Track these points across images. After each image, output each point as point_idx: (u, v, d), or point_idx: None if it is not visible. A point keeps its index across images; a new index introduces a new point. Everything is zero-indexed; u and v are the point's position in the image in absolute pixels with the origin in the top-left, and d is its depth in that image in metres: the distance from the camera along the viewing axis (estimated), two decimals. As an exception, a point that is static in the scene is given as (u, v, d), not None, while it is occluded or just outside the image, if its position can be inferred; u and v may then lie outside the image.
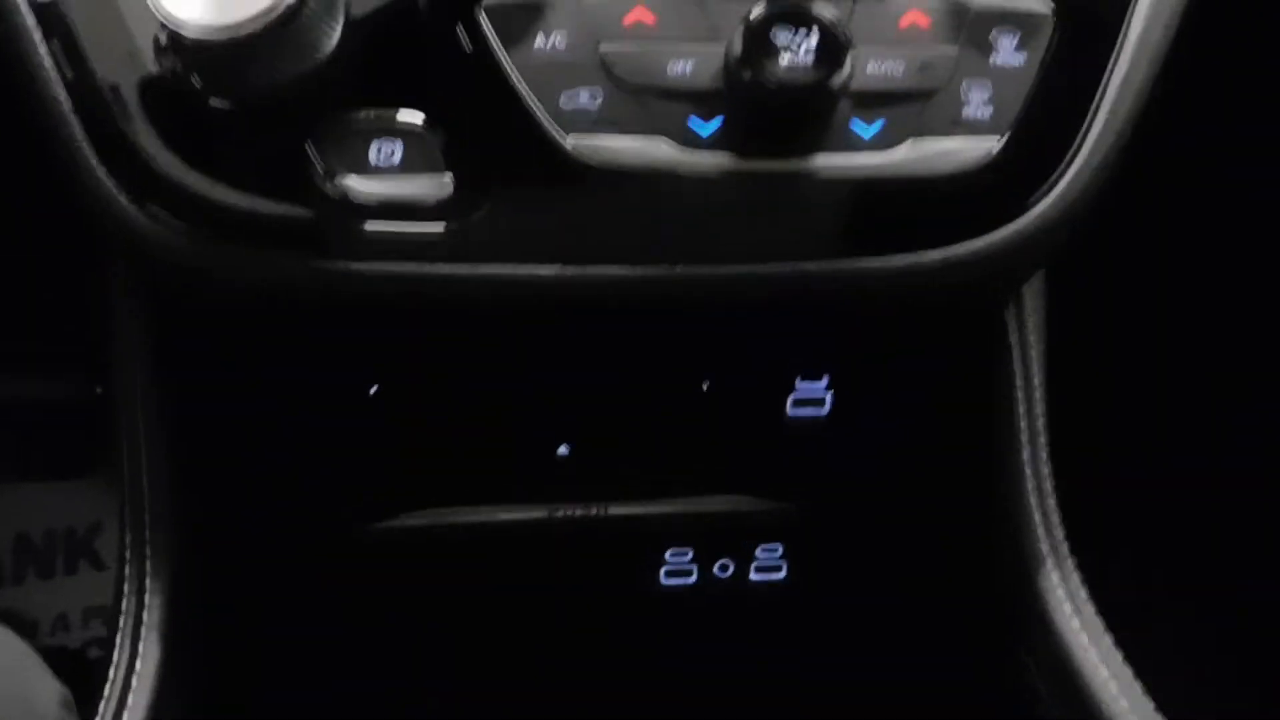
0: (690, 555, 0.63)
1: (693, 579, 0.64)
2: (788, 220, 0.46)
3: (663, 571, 0.64)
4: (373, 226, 0.44)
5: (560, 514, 0.60)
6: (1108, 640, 0.47)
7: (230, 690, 0.55)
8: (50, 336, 0.75)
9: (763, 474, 0.61)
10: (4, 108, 0.46)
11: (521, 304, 0.46)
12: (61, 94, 0.43)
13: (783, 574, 0.64)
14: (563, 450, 0.58)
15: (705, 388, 0.58)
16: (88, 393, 0.67)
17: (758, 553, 0.64)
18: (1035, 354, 0.53)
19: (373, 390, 0.56)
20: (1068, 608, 0.49)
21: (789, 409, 0.59)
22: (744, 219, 0.45)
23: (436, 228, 0.44)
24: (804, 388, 0.58)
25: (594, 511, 0.61)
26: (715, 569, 0.64)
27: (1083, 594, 0.49)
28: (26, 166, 0.51)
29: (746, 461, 0.61)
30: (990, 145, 0.45)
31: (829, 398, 0.59)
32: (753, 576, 0.64)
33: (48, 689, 0.39)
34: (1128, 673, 0.46)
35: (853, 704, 0.64)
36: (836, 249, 0.46)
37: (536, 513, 0.60)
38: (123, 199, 0.44)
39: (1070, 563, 0.50)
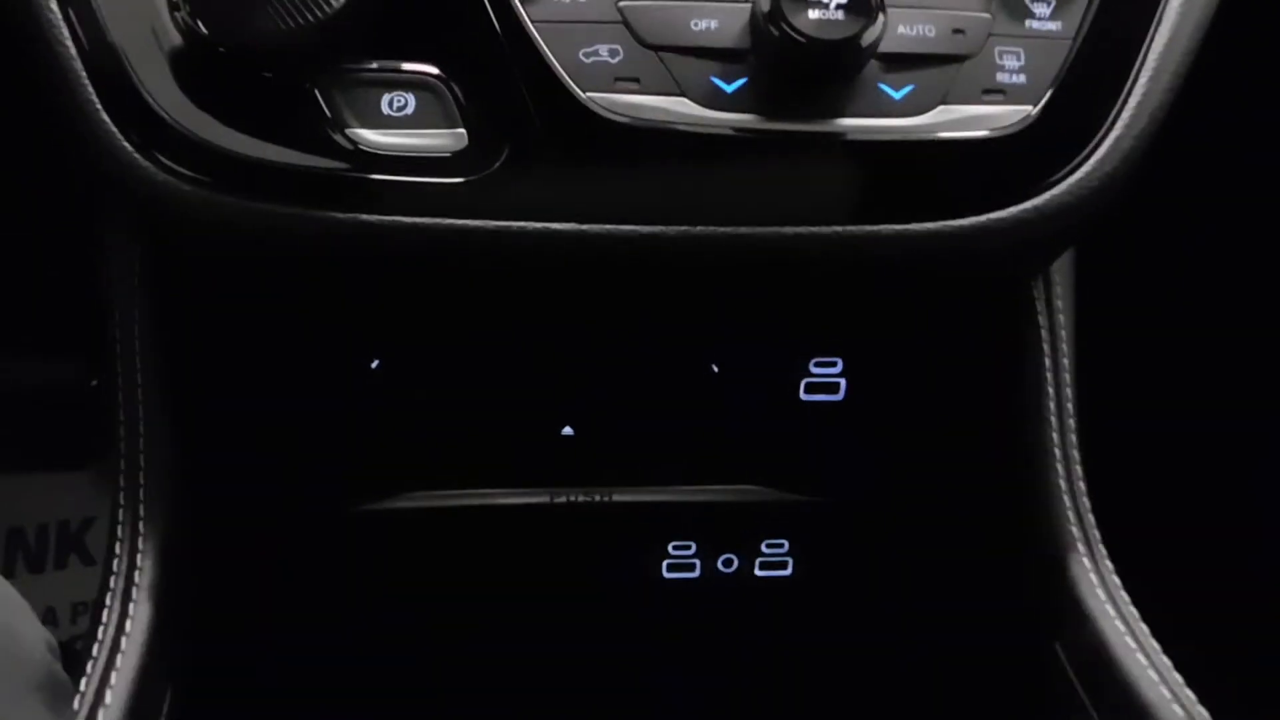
0: (694, 549, 0.62)
1: (696, 573, 0.62)
2: (811, 183, 0.44)
3: (665, 565, 0.62)
4: (385, 179, 0.42)
5: (561, 499, 0.59)
6: (1143, 628, 0.46)
7: (217, 662, 0.53)
8: (45, 327, 0.74)
9: (774, 462, 0.60)
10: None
11: (535, 263, 0.44)
12: (68, 43, 0.42)
13: (789, 570, 0.62)
14: (567, 431, 0.57)
15: (715, 369, 0.56)
16: (84, 385, 0.66)
17: (763, 548, 0.62)
18: (1064, 334, 0.51)
19: (374, 364, 0.54)
20: (1101, 594, 0.47)
21: (802, 393, 0.57)
22: (766, 181, 0.44)
23: (450, 181, 0.43)
24: (818, 372, 0.57)
25: (596, 497, 0.59)
26: (719, 564, 0.62)
27: (1115, 580, 0.48)
28: (20, 150, 0.50)
29: (757, 448, 0.59)
30: (1023, 114, 0.44)
31: (843, 383, 0.57)
32: (758, 573, 0.62)
33: (34, 633, 0.37)
34: (1166, 661, 0.44)
35: (869, 695, 0.62)
36: (861, 214, 0.45)
37: (537, 497, 0.59)
38: (131, 150, 0.43)
39: (1102, 549, 0.48)
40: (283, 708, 0.60)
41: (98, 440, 0.51)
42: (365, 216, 0.43)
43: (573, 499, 0.59)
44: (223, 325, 0.52)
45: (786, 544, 0.62)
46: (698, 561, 0.62)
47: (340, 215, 0.43)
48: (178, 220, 0.44)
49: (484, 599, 0.62)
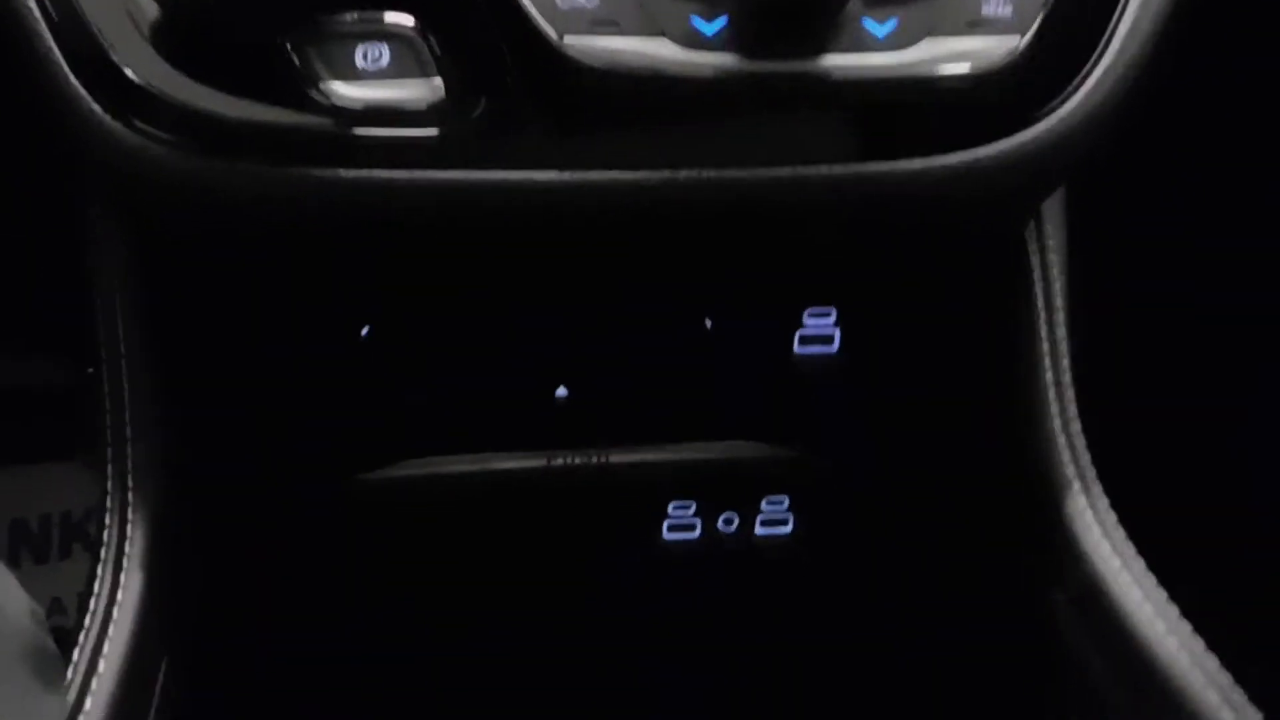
0: (694, 509, 0.61)
1: (696, 533, 0.62)
2: (796, 124, 0.44)
3: (665, 525, 0.61)
4: (361, 133, 0.42)
5: (558, 461, 0.58)
6: (1140, 564, 0.45)
7: (214, 630, 0.53)
8: (43, 322, 0.73)
9: (770, 418, 0.59)
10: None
11: (517, 214, 0.44)
12: (33, 6, 0.42)
13: (789, 528, 0.62)
14: (561, 392, 0.56)
15: (708, 325, 0.56)
16: (83, 375, 0.66)
17: (763, 505, 0.62)
18: (1057, 275, 0.51)
19: (364, 332, 0.54)
20: (1096, 532, 0.47)
21: (796, 347, 0.57)
22: (749, 123, 0.44)
23: (428, 133, 0.42)
24: (812, 324, 0.56)
25: (593, 459, 0.59)
26: (719, 523, 0.62)
27: (1112, 519, 0.47)
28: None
29: (752, 404, 0.59)
30: (1010, 45, 0.43)
31: (838, 334, 0.57)
32: (758, 531, 0.62)
33: (17, 599, 0.37)
34: (1162, 596, 0.44)
35: (870, 656, 0.62)
36: (848, 153, 0.44)
37: (533, 461, 0.58)
38: (102, 114, 0.42)
39: (1098, 488, 0.48)
40: (280, 679, 0.60)
41: (98, 430, 0.51)
42: (342, 172, 0.42)
43: (570, 461, 0.58)
44: (208, 298, 0.52)
45: (786, 500, 0.62)
46: (698, 521, 0.62)
47: (317, 172, 0.42)
48: (153, 185, 0.44)
49: (482, 567, 0.61)
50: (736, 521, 0.62)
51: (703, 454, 0.60)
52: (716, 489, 0.61)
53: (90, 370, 0.53)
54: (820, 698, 0.63)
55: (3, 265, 0.67)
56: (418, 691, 0.63)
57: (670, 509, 0.61)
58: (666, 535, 0.62)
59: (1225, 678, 0.41)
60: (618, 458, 0.59)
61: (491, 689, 0.63)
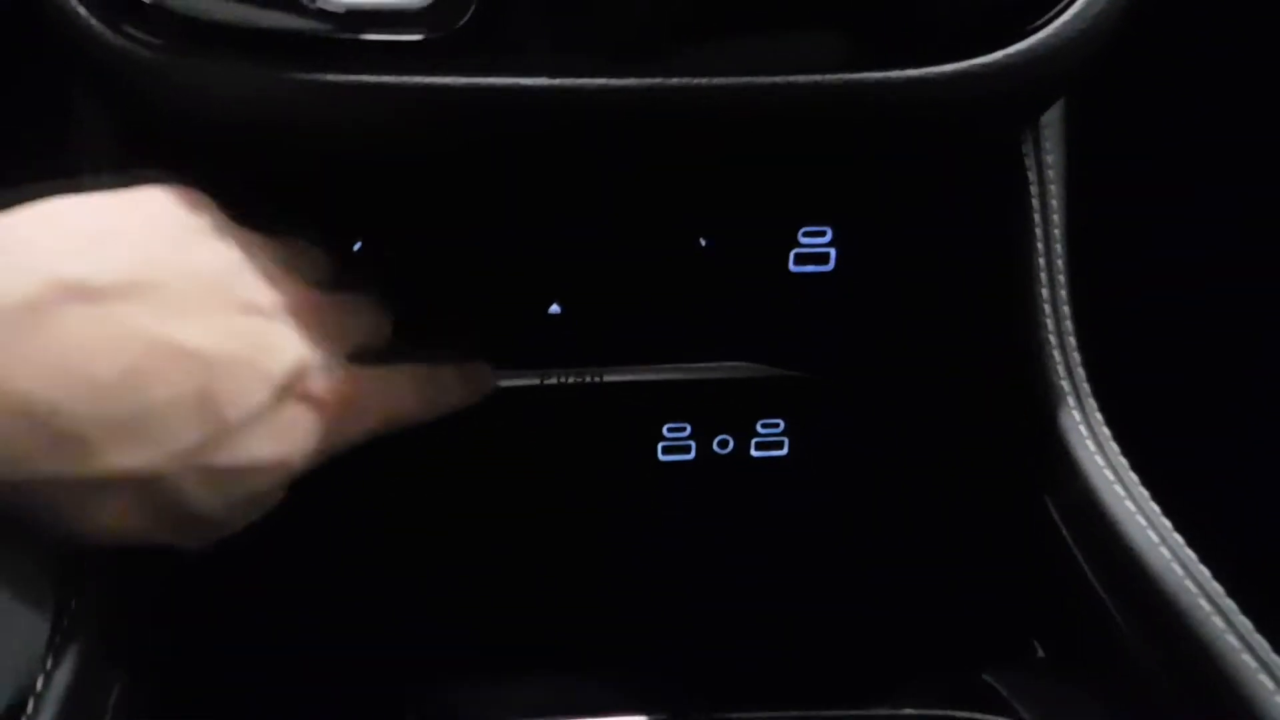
0: (689, 431, 0.61)
1: (691, 455, 0.62)
2: (788, 30, 0.43)
3: (660, 447, 0.61)
4: (348, 35, 0.41)
5: (552, 380, 0.58)
6: (1132, 476, 0.46)
7: (176, 650, 0.52)
8: None
9: (766, 337, 0.59)
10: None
11: (507, 121, 0.43)
12: None
13: (785, 450, 0.62)
14: (555, 309, 0.56)
15: (702, 243, 0.55)
16: None
17: (758, 428, 0.62)
18: (1054, 189, 0.50)
19: (356, 247, 0.53)
20: (1090, 445, 0.47)
21: (791, 265, 0.56)
22: (740, 30, 0.42)
23: (416, 38, 0.41)
24: (807, 242, 0.56)
25: (588, 378, 0.58)
26: (714, 445, 0.62)
27: (1105, 431, 0.47)
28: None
29: (748, 324, 0.58)
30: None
31: (833, 252, 0.56)
32: (754, 453, 0.62)
33: None
34: (1154, 508, 0.44)
35: (865, 574, 0.62)
36: (840, 62, 0.43)
37: (526, 379, 0.58)
38: (89, 17, 0.41)
39: (1092, 401, 0.48)
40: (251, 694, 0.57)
41: None
42: (329, 76, 0.41)
43: (563, 380, 0.58)
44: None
45: (782, 423, 0.62)
46: (693, 443, 0.62)
47: (302, 75, 0.41)
48: (141, 89, 0.43)
49: (472, 491, 0.61)
50: (732, 444, 0.62)
51: (697, 374, 0.59)
52: (711, 411, 0.61)
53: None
54: (816, 618, 0.64)
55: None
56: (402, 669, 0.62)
57: (665, 431, 0.61)
58: (661, 457, 0.62)
59: (1217, 587, 0.41)
60: (612, 377, 0.58)
61: (482, 621, 0.63)
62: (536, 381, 0.58)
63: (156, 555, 0.43)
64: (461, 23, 0.41)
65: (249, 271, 0.41)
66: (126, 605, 0.46)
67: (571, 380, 0.58)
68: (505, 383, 0.57)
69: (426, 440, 0.57)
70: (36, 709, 0.40)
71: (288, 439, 0.40)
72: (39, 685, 0.40)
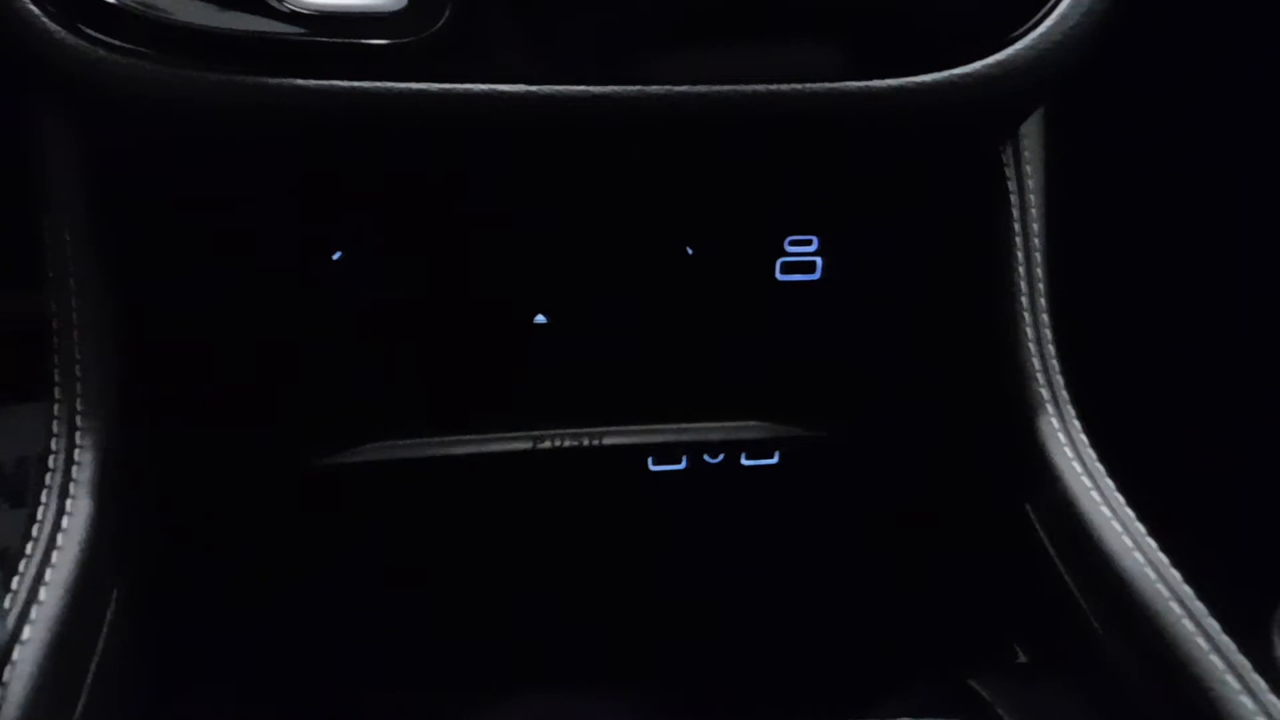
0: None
1: (683, 465, 0.61)
2: (770, 40, 0.43)
3: (650, 459, 0.61)
4: (322, 41, 0.41)
5: (546, 444, 0.56)
6: (1109, 483, 0.46)
7: (171, 564, 0.52)
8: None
9: (752, 343, 0.58)
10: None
11: (486, 130, 0.43)
12: None
13: (775, 459, 0.62)
14: (540, 319, 0.56)
15: (689, 252, 0.55)
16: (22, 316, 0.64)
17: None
18: (1034, 199, 0.51)
19: (336, 256, 0.53)
20: (1069, 452, 0.47)
21: (778, 274, 0.56)
22: (722, 39, 0.43)
23: (391, 43, 0.41)
24: (794, 251, 0.56)
25: (585, 441, 0.57)
26: (705, 456, 0.62)
27: (1083, 438, 0.48)
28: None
29: (735, 330, 0.58)
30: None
31: (819, 261, 0.56)
32: (744, 462, 0.62)
33: None
34: (1130, 513, 0.44)
35: (852, 582, 0.62)
36: (822, 71, 0.43)
37: (519, 443, 0.56)
38: (53, 26, 0.41)
39: (1070, 409, 0.48)
40: (239, 615, 0.57)
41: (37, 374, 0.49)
42: (303, 82, 0.41)
43: (559, 444, 0.56)
44: (167, 222, 0.50)
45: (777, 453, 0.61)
46: (684, 456, 0.61)
47: (276, 81, 0.41)
48: (108, 96, 0.42)
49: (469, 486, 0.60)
50: (723, 455, 0.62)
51: (699, 436, 0.59)
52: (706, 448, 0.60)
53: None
54: (803, 626, 0.63)
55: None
56: (393, 624, 0.62)
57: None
58: (652, 468, 0.61)
59: (1187, 590, 0.41)
60: (612, 440, 0.57)
61: (467, 592, 0.62)
62: (529, 445, 0.56)
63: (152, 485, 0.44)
64: (436, 27, 0.41)
65: None
66: (120, 525, 0.45)
67: (568, 444, 0.57)
68: (496, 447, 0.56)
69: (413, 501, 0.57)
70: (35, 610, 0.39)
71: None
72: (40, 594, 0.40)
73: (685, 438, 0.59)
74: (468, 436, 0.56)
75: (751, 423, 0.59)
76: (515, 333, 0.55)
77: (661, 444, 0.58)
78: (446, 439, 0.56)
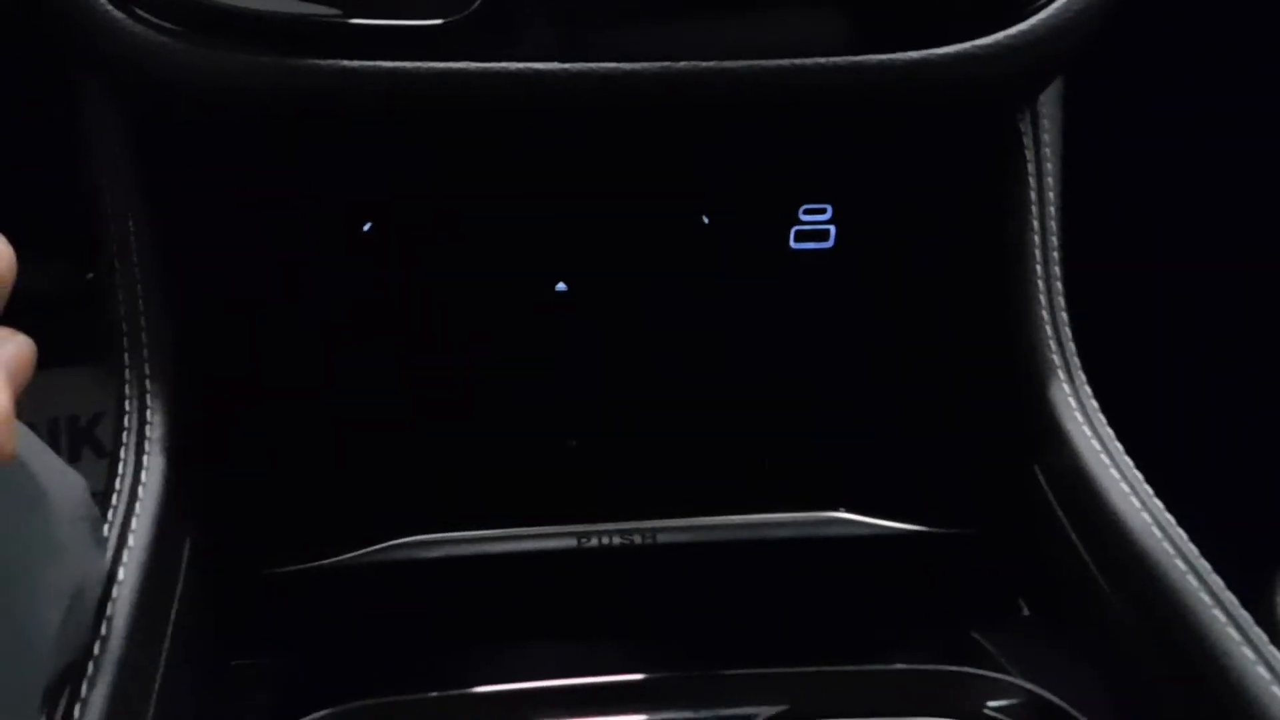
0: None
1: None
2: (794, 14, 0.44)
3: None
4: (361, 23, 0.42)
5: (592, 542, 0.55)
6: (1118, 446, 0.47)
7: (233, 517, 0.54)
8: (37, 228, 0.73)
9: (766, 316, 0.60)
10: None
11: (521, 107, 0.44)
12: None
13: None
14: (561, 287, 0.57)
15: (705, 220, 0.56)
16: (80, 281, 0.66)
17: None
18: (1050, 166, 0.52)
19: (366, 228, 0.54)
20: (1079, 416, 0.48)
21: (792, 242, 0.57)
22: (747, 14, 0.44)
23: (429, 24, 0.42)
24: (807, 219, 0.57)
25: (637, 539, 0.55)
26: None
27: (1094, 403, 0.49)
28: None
29: (751, 301, 0.59)
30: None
31: (833, 229, 0.57)
32: None
33: (68, 470, 0.38)
34: (1137, 475, 0.46)
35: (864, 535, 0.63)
36: (845, 44, 0.44)
37: (563, 541, 0.55)
38: (105, 5, 0.42)
39: (1082, 375, 0.50)
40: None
41: (98, 335, 0.51)
42: (345, 62, 0.42)
43: (606, 541, 0.54)
44: (215, 194, 0.51)
45: None
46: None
47: (319, 62, 0.42)
48: (157, 75, 0.44)
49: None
50: None
51: (766, 533, 0.58)
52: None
53: (90, 275, 0.54)
54: (812, 578, 0.65)
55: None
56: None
57: None
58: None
59: (1192, 548, 0.43)
60: (666, 538, 0.55)
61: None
62: (574, 543, 0.55)
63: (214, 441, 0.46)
64: (474, 7, 0.42)
65: None
66: (188, 479, 0.47)
67: (617, 541, 0.55)
68: (536, 545, 0.55)
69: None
70: (125, 553, 0.41)
71: None
72: (130, 540, 0.42)
73: (752, 535, 0.58)
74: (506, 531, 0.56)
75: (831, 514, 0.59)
76: (538, 304, 0.56)
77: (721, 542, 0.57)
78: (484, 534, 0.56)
